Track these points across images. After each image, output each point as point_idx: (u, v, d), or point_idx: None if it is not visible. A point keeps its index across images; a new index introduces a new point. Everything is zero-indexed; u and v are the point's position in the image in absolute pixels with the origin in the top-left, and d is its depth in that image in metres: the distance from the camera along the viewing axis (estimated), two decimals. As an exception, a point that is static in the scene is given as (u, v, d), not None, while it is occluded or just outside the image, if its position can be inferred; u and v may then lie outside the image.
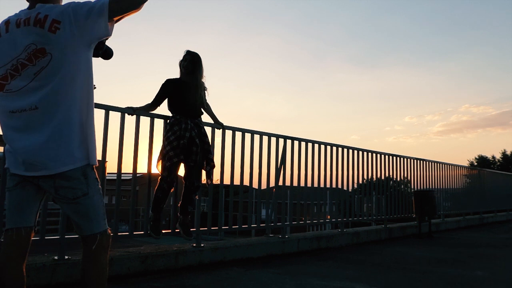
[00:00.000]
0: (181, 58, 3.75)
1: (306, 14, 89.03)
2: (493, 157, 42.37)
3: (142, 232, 3.62)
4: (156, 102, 3.69)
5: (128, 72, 78.70)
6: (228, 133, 4.30)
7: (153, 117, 3.68)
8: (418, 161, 7.67)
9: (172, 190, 3.67)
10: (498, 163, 40.91)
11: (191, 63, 3.70)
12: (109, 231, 1.82)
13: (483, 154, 42.81)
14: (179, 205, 3.75)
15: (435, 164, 8.27)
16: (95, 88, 1.83)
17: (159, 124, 3.71)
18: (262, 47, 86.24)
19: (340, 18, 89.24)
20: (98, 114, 3.28)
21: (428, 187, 7.91)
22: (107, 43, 1.97)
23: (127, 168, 3.55)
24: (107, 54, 2.01)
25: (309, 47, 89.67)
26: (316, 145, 5.40)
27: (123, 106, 3.48)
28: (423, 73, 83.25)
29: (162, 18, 79.61)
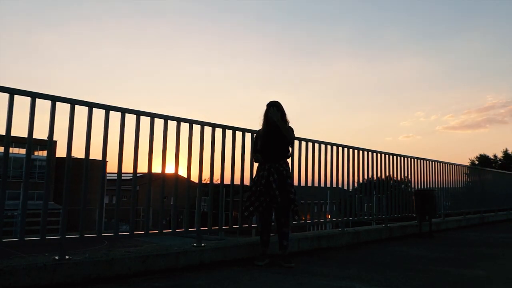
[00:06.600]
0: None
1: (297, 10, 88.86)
2: (495, 155, 42.28)
3: (143, 232, 3.62)
4: (254, 149, 4.28)
5: (127, 72, 78.74)
6: (228, 132, 4.31)
7: (153, 117, 3.68)
8: (419, 160, 7.67)
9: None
10: (500, 162, 40.80)
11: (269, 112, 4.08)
12: None
13: (484, 153, 42.76)
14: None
15: (436, 163, 8.26)
16: None
17: (159, 124, 3.72)
18: (259, 41, 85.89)
19: (348, 14, 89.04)
20: (98, 114, 3.29)
21: (428, 186, 7.90)
22: None
23: (127, 168, 3.55)
24: None
25: (305, 35, 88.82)
26: (317, 145, 5.40)
27: (124, 106, 3.49)
28: (431, 64, 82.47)
29: (161, 17, 79.64)
